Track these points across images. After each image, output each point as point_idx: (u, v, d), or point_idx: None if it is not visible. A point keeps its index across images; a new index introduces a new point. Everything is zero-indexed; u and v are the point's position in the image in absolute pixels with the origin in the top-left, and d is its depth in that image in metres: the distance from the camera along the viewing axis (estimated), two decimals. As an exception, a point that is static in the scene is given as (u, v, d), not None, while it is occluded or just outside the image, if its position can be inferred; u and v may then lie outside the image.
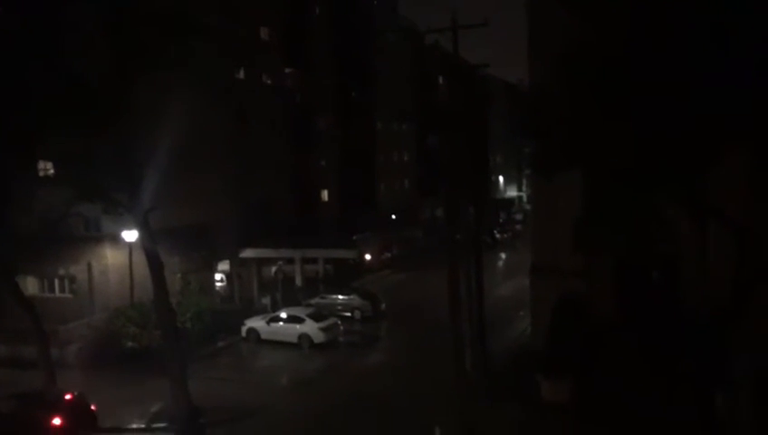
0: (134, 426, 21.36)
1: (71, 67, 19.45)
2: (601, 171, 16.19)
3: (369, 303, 35.83)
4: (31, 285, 31.13)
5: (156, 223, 22.93)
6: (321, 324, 30.35)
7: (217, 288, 38.16)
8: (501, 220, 76.32)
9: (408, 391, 23.60)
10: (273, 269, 41.67)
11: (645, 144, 14.00)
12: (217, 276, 38.63)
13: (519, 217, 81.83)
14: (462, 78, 25.48)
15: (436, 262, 31.83)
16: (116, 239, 29.21)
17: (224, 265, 39.12)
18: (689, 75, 13.14)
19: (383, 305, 36.27)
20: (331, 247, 41.69)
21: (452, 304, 22.40)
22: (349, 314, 34.97)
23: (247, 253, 39.19)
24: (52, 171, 25.19)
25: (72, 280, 31.58)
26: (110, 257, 30.36)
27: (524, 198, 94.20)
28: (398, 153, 63.83)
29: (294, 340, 30.13)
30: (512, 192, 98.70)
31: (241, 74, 40.89)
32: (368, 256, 47.67)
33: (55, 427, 19.22)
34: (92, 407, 20.37)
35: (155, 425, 21.32)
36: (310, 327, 30.12)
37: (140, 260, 23.31)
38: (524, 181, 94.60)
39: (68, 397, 20.12)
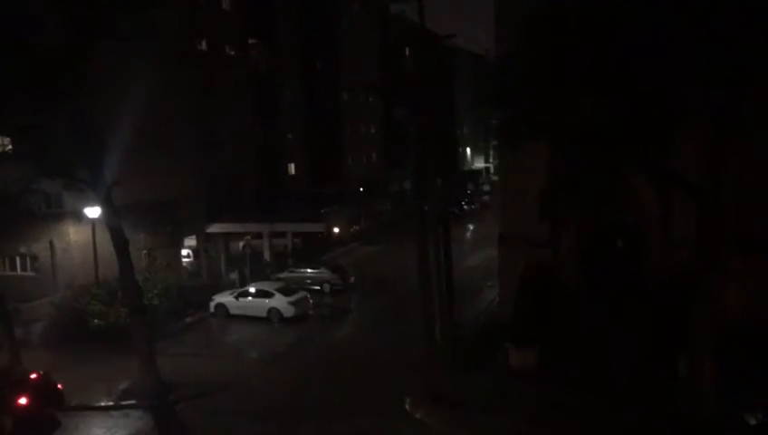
0: (102, 404, 21.13)
1: (26, 39, 18.82)
2: (566, 139, 16.30)
3: (338, 276, 35.86)
4: (-9, 264, 30.53)
5: (119, 199, 22.56)
6: (291, 298, 30.33)
7: (184, 264, 37.82)
8: (469, 191, 76.77)
9: (379, 363, 23.77)
10: (241, 244, 41.38)
11: (607, 111, 14.14)
12: (184, 252, 38.25)
13: (486, 188, 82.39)
14: (428, 49, 25.34)
15: (404, 234, 31.97)
16: (78, 216, 28.69)
17: (190, 241, 38.73)
18: (648, 45, 13.28)
19: (352, 278, 36.34)
20: (300, 221, 41.52)
21: (421, 275, 22.57)
22: (318, 288, 34.98)
23: (214, 228, 38.83)
24: (10, 147, 24.51)
25: (35, 258, 30.99)
26: (73, 234, 29.82)
27: (492, 170, 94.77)
28: (366, 125, 63.49)
29: (264, 314, 30.08)
30: (479, 163, 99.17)
31: (203, 46, 40.09)
32: (336, 230, 47.62)
33: (21, 406, 18.94)
34: (59, 386, 20.10)
35: (123, 402, 21.12)
36: (279, 301, 30.08)
37: (105, 237, 22.91)
38: (491, 152, 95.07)
39: (33, 376, 19.80)
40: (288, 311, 29.95)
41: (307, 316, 30.85)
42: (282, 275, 35.89)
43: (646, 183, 18.87)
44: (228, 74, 41.10)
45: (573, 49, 13.62)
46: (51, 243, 29.86)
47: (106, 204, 21.28)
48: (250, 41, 45.32)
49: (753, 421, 14.70)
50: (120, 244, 21.17)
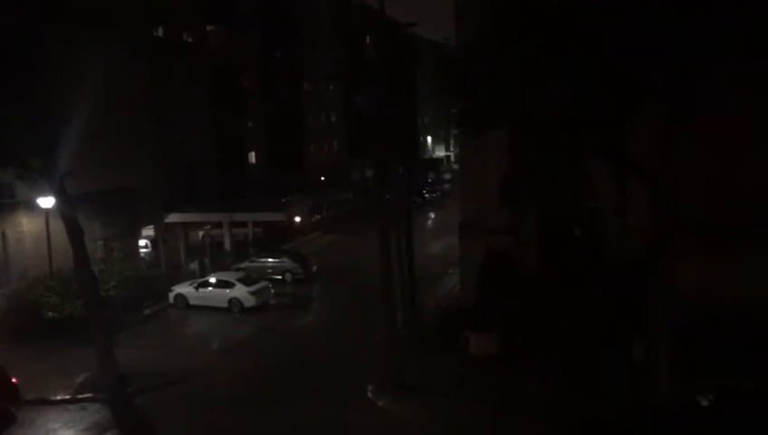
0: (59, 398, 20.71)
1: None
2: (525, 128, 16.45)
3: (300, 265, 35.72)
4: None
5: (74, 188, 22.08)
6: (252, 288, 30.11)
7: (142, 255, 37.18)
8: (430, 180, 77.06)
9: (341, 351, 23.80)
10: (201, 234, 40.86)
11: (566, 99, 14.30)
12: (142, 242, 37.59)
13: (447, 176, 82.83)
14: (389, 37, 25.28)
15: (366, 223, 31.98)
16: (31, 206, 27.93)
17: (148, 231, 38.08)
18: (604, 32, 13.46)
19: (314, 267, 36.24)
20: (260, 210, 41.17)
21: (383, 263, 22.58)
22: (280, 277, 34.80)
23: (173, 217, 38.20)
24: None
25: (-14, 250, 30.08)
26: (26, 225, 29.00)
27: (452, 158, 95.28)
28: (327, 114, 63.13)
29: (224, 304, 29.81)
30: (440, 152, 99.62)
31: (159, 32, 39.27)
32: (298, 219, 47.38)
33: (-27, 402, 18.48)
34: (13, 380, 19.61)
35: (80, 396, 20.74)
36: (240, 291, 29.84)
37: (59, 227, 22.39)
38: (452, 141, 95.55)
39: (-14, 371, 19.31)
40: (249, 301, 29.73)
41: (269, 306, 30.67)
42: (243, 265, 35.57)
43: (603, 171, 19.18)
44: (186, 61, 40.37)
45: (537, 38, 13.70)
46: (3, 234, 28.98)
47: (60, 194, 20.82)
48: (208, 27, 44.57)
49: (704, 403, 15.10)
50: (75, 234, 20.74)
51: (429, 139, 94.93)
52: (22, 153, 20.03)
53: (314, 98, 59.69)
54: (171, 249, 38.30)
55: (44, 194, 25.21)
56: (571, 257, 22.91)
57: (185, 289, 30.91)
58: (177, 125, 38.55)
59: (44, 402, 20.44)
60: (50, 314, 25.98)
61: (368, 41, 62.55)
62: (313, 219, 50.93)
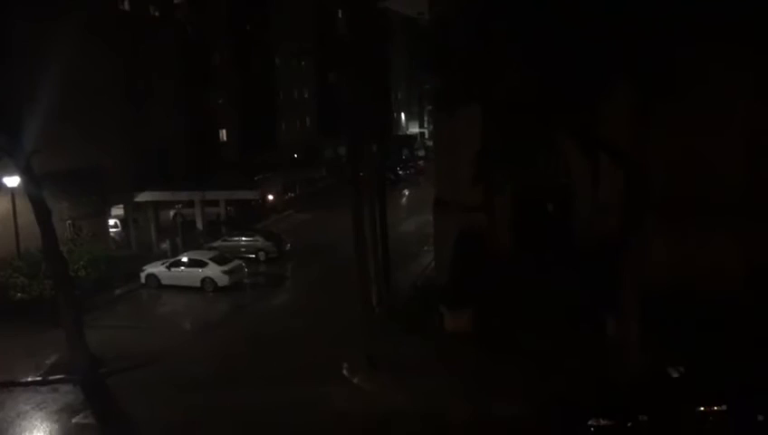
0: (29, 379, 20.43)
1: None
2: (498, 107, 16.43)
3: (273, 244, 35.54)
4: None
5: (41, 167, 21.57)
6: (225, 267, 29.90)
7: (112, 234, 36.66)
8: (403, 157, 76.95)
9: (315, 329, 23.78)
10: (172, 213, 40.37)
11: (537, 77, 14.30)
12: (111, 222, 37.05)
13: (421, 153, 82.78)
14: (361, 10, 24.99)
15: (339, 201, 31.84)
16: (-4, 186, 27.30)
17: (118, 211, 37.51)
18: (574, 18, 13.48)
19: (287, 246, 36.10)
20: (233, 189, 40.80)
21: (357, 241, 22.55)
22: (253, 256, 34.61)
23: (143, 196, 37.66)
24: None
25: (-50, 231, 29.36)
26: (-9, 205, 28.39)
27: (426, 135, 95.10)
28: (299, 90, 62.45)
29: (197, 284, 29.58)
30: (414, 129, 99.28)
31: (125, 5, 38.34)
32: (270, 197, 47.05)
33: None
34: (-19, 363, 19.33)
35: (51, 377, 20.47)
36: (213, 270, 29.62)
37: (26, 207, 21.90)
38: (426, 118, 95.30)
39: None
40: (222, 280, 29.53)
41: (242, 285, 30.50)
42: (215, 244, 35.26)
43: (576, 149, 19.26)
44: (154, 37, 39.51)
45: (502, 15, 13.66)
46: (-33, 214, 28.35)
47: (26, 173, 20.32)
48: (175, 1, 43.60)
49: (675, 374, 15.40)
50: (42, 214, 20.29)
51: (403, 115, 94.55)
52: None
53: (286, 74, 58.95)
54: (142, 229, 37.83)
55: (10, 173, 24.65)
56: (543, 234, 23.08)
57: (156, 269, 30.57)
58: (145, 102, 37.82)
59: (15, 384, 20.17)
60: (18, 295, 25.52)
61: (340, 15, 61.75)
62: (286, 198, 50.63)
